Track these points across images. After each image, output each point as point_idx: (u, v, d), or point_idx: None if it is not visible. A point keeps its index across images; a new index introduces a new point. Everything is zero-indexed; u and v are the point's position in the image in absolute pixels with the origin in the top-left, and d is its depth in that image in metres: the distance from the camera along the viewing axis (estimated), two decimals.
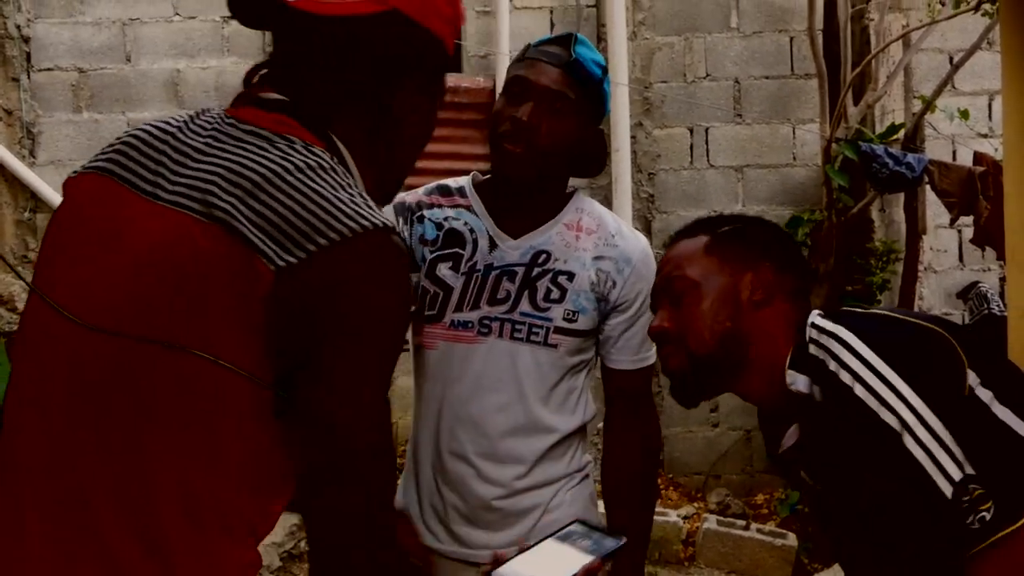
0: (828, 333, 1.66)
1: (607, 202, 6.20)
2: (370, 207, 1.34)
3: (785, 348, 1.72)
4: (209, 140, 1.40)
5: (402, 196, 2.25)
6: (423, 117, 1.52)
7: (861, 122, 6.16)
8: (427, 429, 2.19)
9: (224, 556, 1.30)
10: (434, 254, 2.16)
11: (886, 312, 1.73)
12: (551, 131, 2.06)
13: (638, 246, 2.20)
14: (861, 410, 1.55)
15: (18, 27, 5.90)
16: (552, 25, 6.42)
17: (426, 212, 2.19)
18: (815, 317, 1.72)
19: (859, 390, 1.57)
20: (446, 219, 2.17)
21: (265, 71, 1.49)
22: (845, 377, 1.58)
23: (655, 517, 5.80)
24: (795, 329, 1.73)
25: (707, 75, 6.56)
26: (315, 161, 1.36)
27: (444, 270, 2.14)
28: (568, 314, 2.11)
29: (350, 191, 1.35)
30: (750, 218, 1.92)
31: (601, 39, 6.39)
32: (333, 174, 1.36)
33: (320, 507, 1.29)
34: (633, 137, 6.44)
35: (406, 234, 2.18)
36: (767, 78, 6.57)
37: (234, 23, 1.54)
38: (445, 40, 1.49)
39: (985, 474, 1.52)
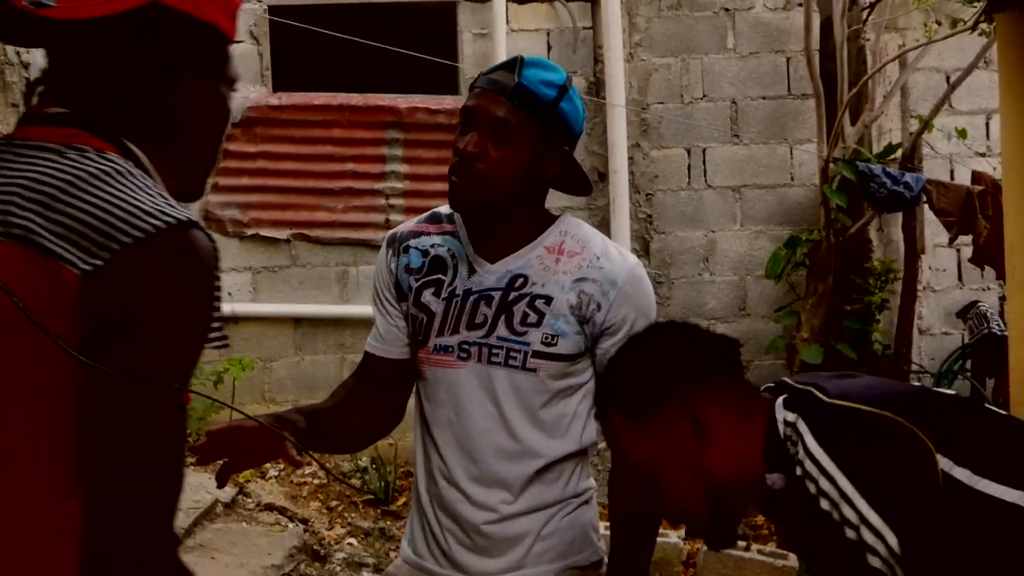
0: (791, 425, 1.61)
1: (605, 223, 6.21)
2: (171, 204, 1.32)
3: (755, 459, 1.66)
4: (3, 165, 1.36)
5: (395, 229, 2.28)
6: (211, 106, 1.48)
7: (858, 142, 6.18)
8: (421, 453, 2.20)
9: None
10: (419, 281, 2.17)
11: (847, 403, 1.61)
12: (495, 161, 2.02)
13: (624, 267, 2.13)
14: (819, 510, 1.53)
15: (17, 53, 5.91)
16: (549, 48, 6.45)
17: (412, 242, 2.20)
18: (780, 410, 1.66)
19: (812, 488, 1.53)
20: (432, 246, 2.17)
21: (43, 88, 1.43)
22: (803, 470, 1.55)
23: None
24: (756, 422, 1.67)
25: (704, 96, 6.58)
26: (110, 166, 1.33)
27: (428, 296, 2.15)
28: (546, 338, 2.08)
29: (149, 192, 1.32)
30: (638, 356, 1.83)
31: (598, 60, 6.42)
32: (131, 177, 1.33)
33: (98, 499, 1.25)
34: (631, 158, 6.45)
35: (393, 266, 2.20)
36: (764, 99, 6.59)
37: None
38: (217, 23, 1.44)
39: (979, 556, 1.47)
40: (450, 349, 2.11)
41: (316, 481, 5.93)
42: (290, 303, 6.34)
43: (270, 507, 5.49)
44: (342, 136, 6.29)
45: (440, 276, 2.15)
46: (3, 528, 1.27)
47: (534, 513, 2.12)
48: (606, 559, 2.21)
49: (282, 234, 6.28)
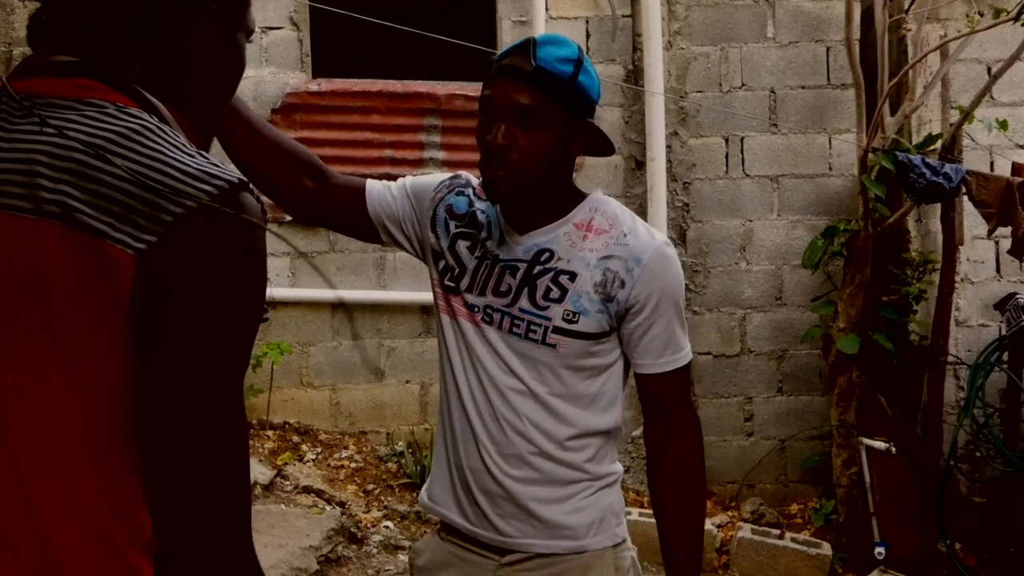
0: None
1: (642, 211, 6.22)
2: (213, 163, 1.22)
3: None
4: (3, 124, 1.23)
5: (463, 173, 2.30)
6: (224, 51, 1.38)
7: (898, 132, 6.14)
8: (444, 401, 2.22)
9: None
10: (458, 228, 2.20)
11: None
12: (527, 149, 2.03)
13: (651, 245, 2.12)
14: None
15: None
16: (588, 35, 6.45)
17: (468, 191, 2.23)
18: None
19: None
20: (476, 207, 2.20)
21: (46, 28, 1.30)
22: None
23: None
24: None
25: (743, 85, 6.56)
26: (138, 124, 1.22)
27: (463, 247, 2.18)
28: (568, 315, 2.08)
29: (187, 151, 1.22)
30: None
31: (637, 49, 6.41)
32: (162, 135, 1.22)
33: (168, 502, 1.17)
34: (668, 146, 6.45)
35: (442, 197, 2.23)
36: (803, 88, 6.57)
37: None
38: None
39: None
40: (476, 309, 2.14)
41: (353, 465, 5.98)
42: (328, 288, 6.39)
43: (308, 490, 5.54)
44: (380, 122, 6.33)
45: (476, 233, 2.18)
46: (73, 530, 1.18)
47: (553, 486, 2.13)
48: (628, 541, 2.22)
49: None
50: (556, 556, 2.14)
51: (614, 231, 2.13)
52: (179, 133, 1.28)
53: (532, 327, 2.10)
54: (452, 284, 2.18)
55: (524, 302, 2.11)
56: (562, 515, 2.14)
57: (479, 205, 2.20)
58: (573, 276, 2.10)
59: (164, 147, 1.20)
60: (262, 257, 1.25)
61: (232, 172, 1.22)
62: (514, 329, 2.11)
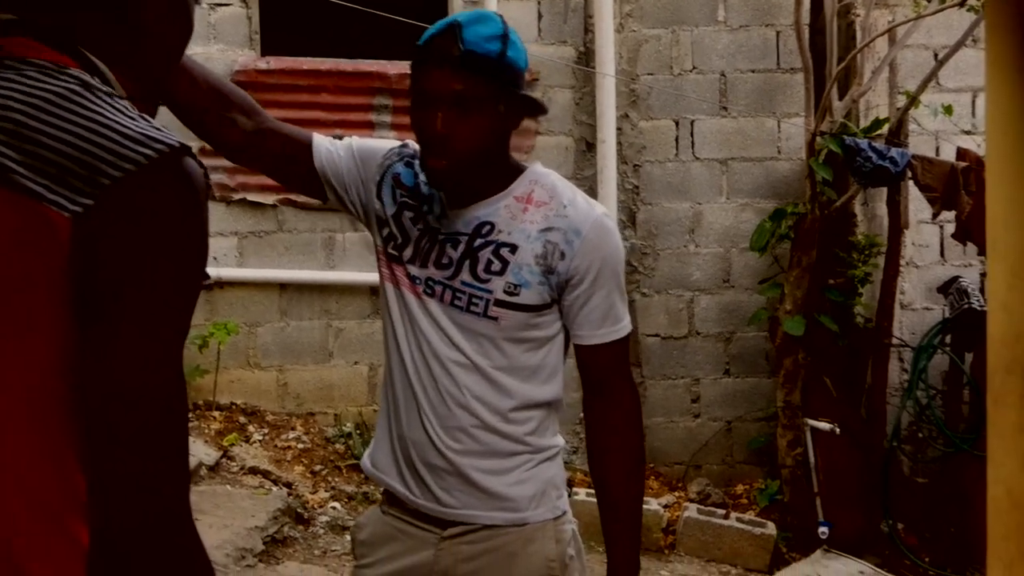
0: None
1: (592, 193, 6.23)
2: (155, 127, 1.19)
3: None
4: None
5: (413, 143, 2.26)
6: (172, 13, 1.35)
7: (846, 116, 6.20)
8: (387, 372, 2.21)
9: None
10: (403, 198, 2.19)
11: None
12: (466, 134, 2.01)
13: (591, 216, 2.11)
14: None
15: None
16: (540, 16, 6.44)
17: (415, 164, 2.21)
18: None
19: None
20: (420, 178, 2.19)
21: None
22: None
23: None
24: None
25: (693, 68, 6.58)
26: (78, 85, 1.19)
27: (407, 218, 2.17)
28: (509, 287, 2.08)
29: (128, 113, 1.19)
30: None
31: (588, 31, 6.41)
32: (102, 96, 1.19)
33: (106, 471, 1.15)
34: (619, 129, 6.47)
35: (390, 164, 2.21)
36: (753, 72, 6.60)
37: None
38: None
39: None
40: (418, 281, 2.14)
41: (300, 446, 5.96)
42: (276, 268, 6.35)
43: (254, 470, 5.52)
44: (330, 101, 6.28)
45: (419, 205, 2.17)
46: (11, 497, 1.17)
47: (495, 458, 2.13)
48: (569, 513, 2.23)
49: (269, 199, 6.27)
50: (497, 528, 2.14)
51: (554, 203, 2.13)
52: (121, 95, 1.26)
53: (474, 300, 2.10)
54: (395, 253, 2.17)
55: (465, 275, 2.11)
56: (504, 487, 2.14)
57: (423, 178, 2.19)
58: (514, 248, 2.10)
59: (105, 109, 1.18)
60: (203, 223, 1.21)
61: (174, 136, 1.20)
62: (455, 302, 2.11)
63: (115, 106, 1.20)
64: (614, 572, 2.17)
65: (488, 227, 2.12)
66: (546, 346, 2.16)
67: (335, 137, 2.31)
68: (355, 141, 2.28)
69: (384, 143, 2.27)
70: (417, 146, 2.24)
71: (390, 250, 2.18)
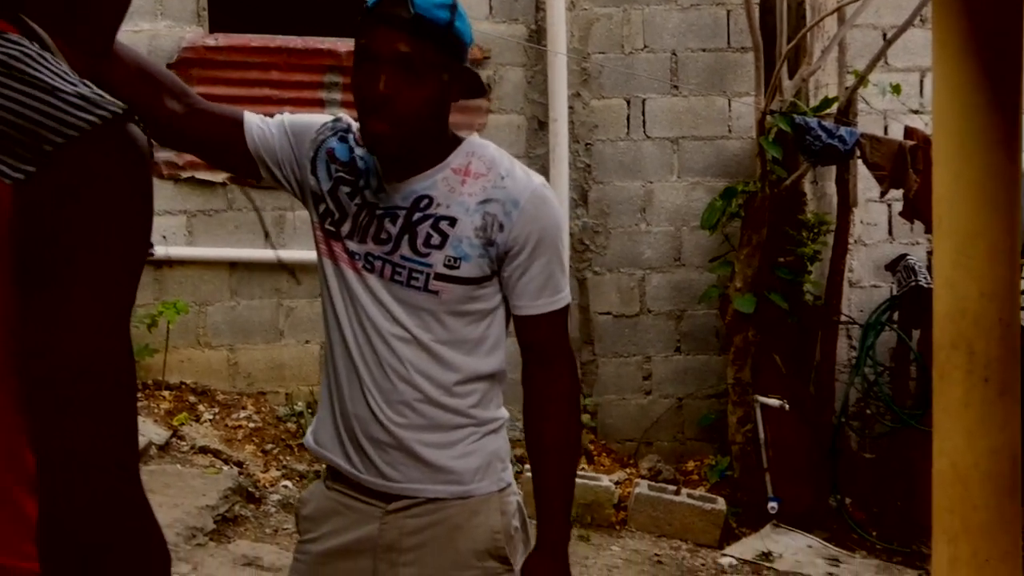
0: None
1: (544, 172, 6.23)
2: (98, 93, 1.17)
3: None
4: None
5: (347, 118, 2.26)
6: None
7: (796, 95, 6.24)
8: (329, 349, 2.20)
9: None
10: (339, 173, 2.18)
11: None
12: (410, 99, 2.01)
13: (528, 186, 2.12)
14: None
15: None
16: None
17: (350, 138, 2.20)
18: None
19: None
20: (356, 153, 2.18)
21: None
22: None
23: (588, 482, 5.86)
24: None
25: (645, 47, 6.59)
26: (18, 50, 1.17)
27: (343, 193, 2.16)
28: (449, 260, 2.08)
29: (70, 78, 1.17)
30: None
31: (540, 8, 6.40)
32: (44, 62, 1.17)
33: (54, 443, 1.13)
34: (570, 107, 6.47)
35: (324, 139, 2.20)
36: (704, 50, 6.62)
37: None
38: None
39: None
40: (357, 256, 2.13)
41: (251, 425, 5.93)
42: (226, 247, 6.30)
43: (204, 450, 5.49)
44: (280, 79, 6.23)
45: (355, 180, 2.16)
46: None
47: (439, 431, 2.13)
48: (513, 485, 2.24)
49: (218, 177, 6.21)
50: (442, 501, 2.15)
51: (492, 174, 2.13)
52: (62, 61, 1.23)
53: (414, 274, 2.10)
54: (332, 229, 2.16)
55: (405, 249, 2.10)
56: (449, 460, 2.14)
57: (359, 151, 2.18)
58: (453, 221, 2.10)
59: (46, 75, 1.16)
60: (148, 189, 1.20)
61: (117, 102, 1.18)
62: (396, 277, 2.10)
63: (57, 72, 1.18)
64: (546, 540, 2.17)
65: (426, 200, 2.11)
66: (488, 318, 2.17)
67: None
68: (287, 117, 2.26)
69: (317, 118, 2.26)
70: (351, 120, 2.23)
71: (327, 226, 2.17)
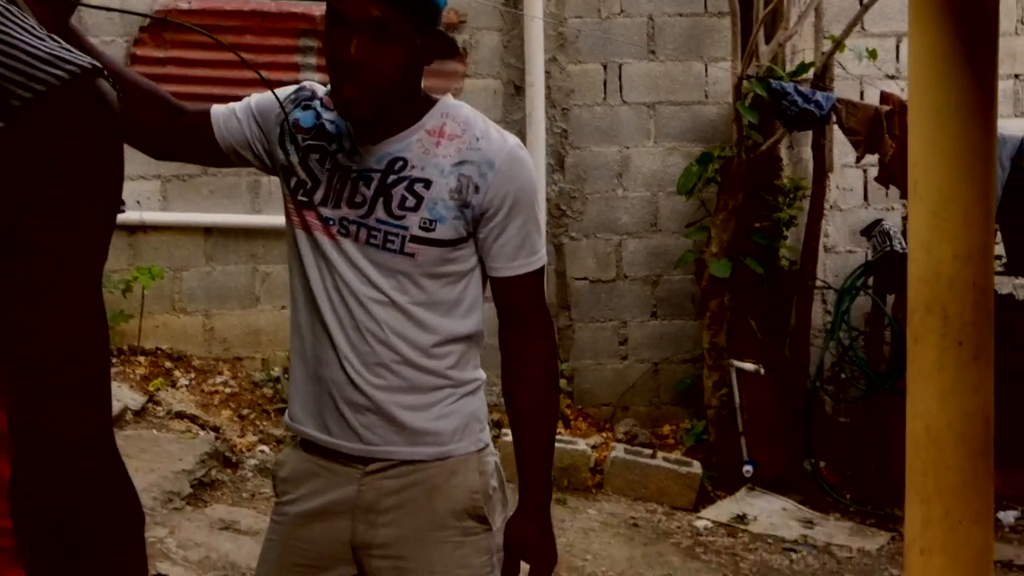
0: None
1: (520, 137, 6.21)
2: (65, 48, 1.15)
3: None
4: None
5: (310, 84, 2.26)
6: None
7: (772, 60, 6.23)
8: (302, 319, 2.20)
9: None
10: (306, 143, 2.17)
11: None
12: (383, 64, 2.00)
13: (503, 147, 2.11)
14: None
15: None
16: None
17: (315, 104, 2.19)
18: None
19: None
20: (326, 119, 2.17)
21: None
22: None
23: (564, 446, 5.88)
24: None
25: (621, 11, 6.57)
26: None
27: (314, 161, 2.15)
28: (424, 223, 2.08)
29: (36, 33, 1.15)
30: None
31: None
32: (9, 16, 1.15)
33: (40, 432, 1.12)
34: (547, 72, 6.44)
35: (288, 111, 2.19)
36: (681, 15, 6.60)
37: None
38: None
39: None
40: (332, 222, 2.12)
41: (228, 390, 5.93)
42: (201, 212, 6.27)
43: (180, 415, 5.48)
44: (254, 43, 6.17)
45: (325, 145, 2.15)
46: None
47: (417, 393, 2.14)
48: (491, 446, 2.24)
49: None
50: (421, 463, 2.15)
51: (466, 136, 2.12)
52: (28, 16, 1.21)
53: (389, 237, 2.09)
54: (305, 199, 2.15)
55: (380, 212, 2.10)
56: (427, 422, 2.15)
57: (327, 116, 2.17)
58: (428, 184, 2.09)
59: (13, 30, 1.14)
60: (118, 145, 1.18)
61: (86, 57, 1.16)
62: (371, 240, 2.10)
63: (24, 27, 1.16)
64: (528, 501, 2.19)
65: (401, 163, 2.11)
66: (464, 279, 2.17)
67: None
68: (253, 99, 2.26)
69: (280, 91, 2.24)
70: (315, 86, 2.23)
71: (300, 197, 2.16)
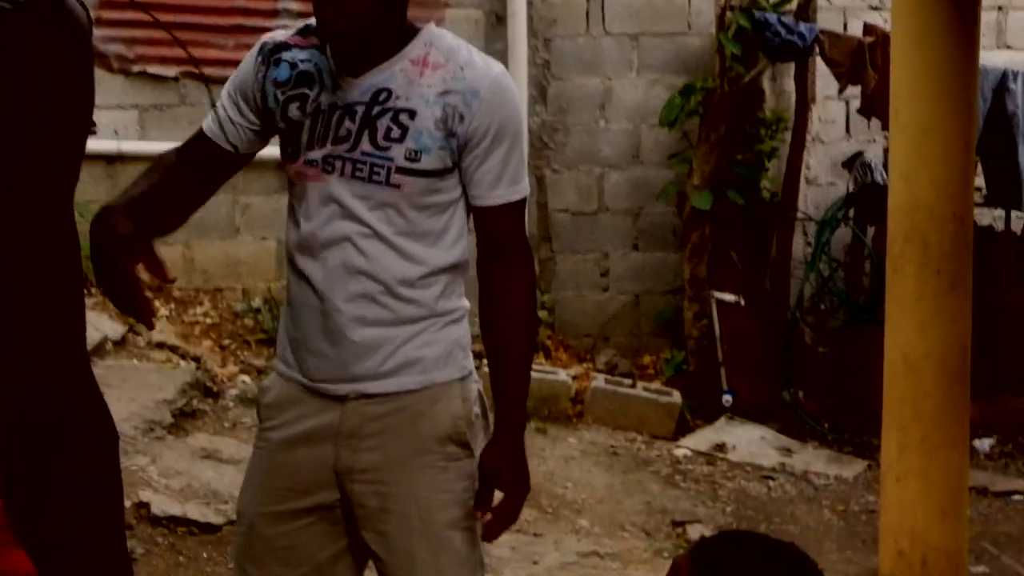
0: None
1: None
2: None
3: None
4: None
5: (268, 36, 2.24)
6: None
7: None
8: (292, 269, 2.21)
9: None
10: (285, 95, 2.16)
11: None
12: None
13: (488, 76, 2.11)
14: None
15: None
16: None
17: (283, 55, 2.17)
18: None
19: None
20: (300, 61, 2.15)
21: None
22: None
23: (545, 376, 5.92)
24: None
25: None
26: None
27: (294, 110, 2.14)
28: (410, 153, 2.08)
29: None
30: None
31: None
32: None
33: (9, 341, 1.13)
34: (529, 2, 6.38)
35: (261, 75, 2.18)
36: None
37: None
38: None
39: None
40: (316, 163, 2.12)
41: (208, 321, 5.93)
42: (180, 142, 6.19)
43: (161, 345, 5.48)
44: None
45: (306, 91, 2.14)
46: None
47: (403, 324, 2.15)
48: (474, 374, 2.26)
49: (170, 71, 6.10)
50: (405, 392, 2.17)
51: (450, 65, 2.11)
52: None
53: (375, 169, 2.09)
54: (292, 150, 2.16)
55: (365, 144, 2.09)
56: (411, 351, 2.16)
57: (302, 57, 2.16)
58: (413, 114, 2.09)
59: None
60: (87, 62, 1.18)
61: None
62: (357, 173, 2.10)
63: None
64: (503, 428, 2.20)
65: (385, 94, 2.10)
66: (449, 210, 2.17)
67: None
68: (228, 87, 2.24)
69: (247, 62, 2.23)
70: (273, 36, 2.22)
71: (288, 150, 2.16)
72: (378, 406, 2.16)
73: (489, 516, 2.20)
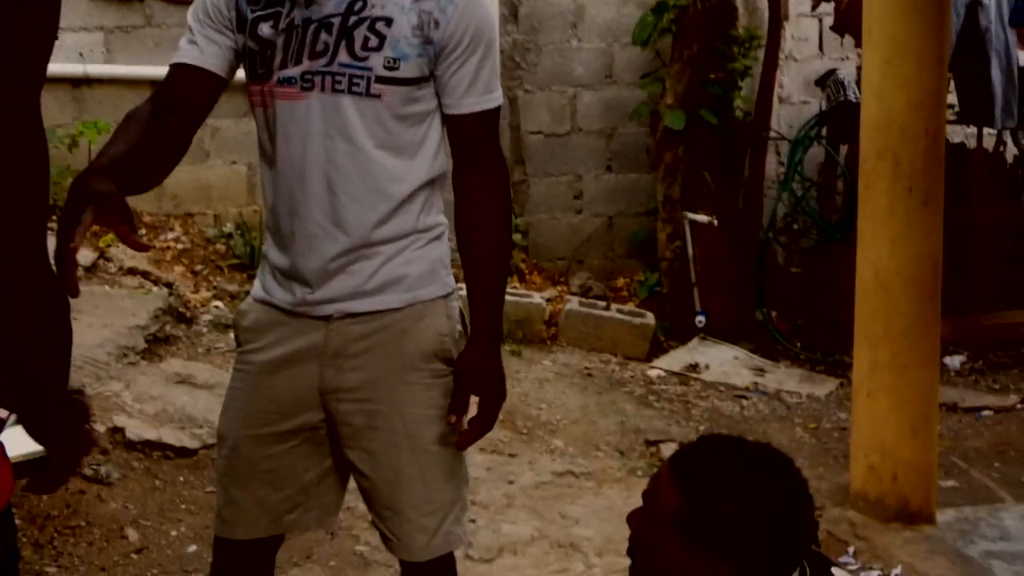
0: None
1: None
2: None
3: None
4: None
5: None
6: None
7: None
8: (271, 192, 2.19)
9: None
10: (255, 13, 2.13)
11: None
12: None
13: None
14: None
15: None
16: None
17: None
18: None
19: None
20: None
21: None
22: None
23: (519, 299, 5.92)
24: None
25: None
26: None
27: (265, 29, 2.11)
28: (388, 62, 2.06)
29: None
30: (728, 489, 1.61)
31: None
32: None
33: None
34: None
35: (232, 2, 2.14)
36: None
37: None
38: None
39: None
40: (293, 81, 2.09)
41: (180, 246, 5.89)
42: (147, 65, 6.11)
43: (133, 271, 5.45)
44: None
45: (278, 8, 2.11)
46: None
47: (384, 243, 2.14)
48: (456, 292, 2.26)
49: None
50: (389, 310, 2.17)
51: None
52: None
53: (354, 80, 2.07)
54: (264, 71, 2.11)
55: (343, 56, 2.07)
56: (395, 268, 2.16)
57: None
58: (389, 22, 2.07)
59: None
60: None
61: None
62: (336, 87, 2.08)
63: None
64: (480, 333, 2.20)
65: (360, 3, 2.08)
66: (427, 120, 2.16)
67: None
68: (196, 8, 2.19)
69: None
70: None
71: (259, 71, 2.12)
72: (363, 325, 2.16)
73: (465, 423, 2.20)
